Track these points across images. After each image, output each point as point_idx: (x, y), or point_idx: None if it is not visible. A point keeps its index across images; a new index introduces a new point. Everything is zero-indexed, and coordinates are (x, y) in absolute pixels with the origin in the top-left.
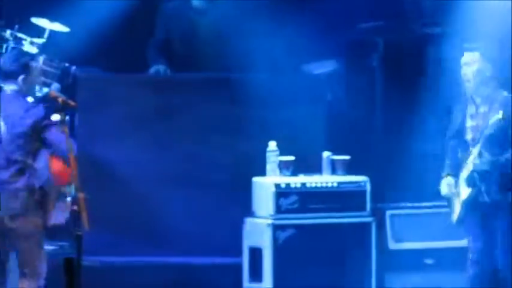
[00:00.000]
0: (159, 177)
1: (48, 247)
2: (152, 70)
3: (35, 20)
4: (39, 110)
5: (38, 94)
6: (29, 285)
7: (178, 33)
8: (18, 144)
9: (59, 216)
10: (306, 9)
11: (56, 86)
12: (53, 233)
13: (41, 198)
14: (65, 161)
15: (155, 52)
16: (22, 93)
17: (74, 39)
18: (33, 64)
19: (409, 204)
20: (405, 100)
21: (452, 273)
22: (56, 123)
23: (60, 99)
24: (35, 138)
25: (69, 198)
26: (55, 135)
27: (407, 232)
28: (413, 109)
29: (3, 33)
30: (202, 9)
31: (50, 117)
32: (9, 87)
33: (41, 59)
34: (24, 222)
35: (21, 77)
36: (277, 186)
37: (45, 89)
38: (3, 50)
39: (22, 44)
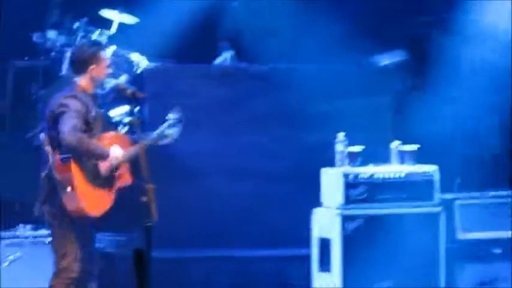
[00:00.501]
0: (226, 168)
1: (120, 238)
2: (220, 58)
3: (103, 12)
4: (56, 99)
5: (107, 85)
6: (51, 280)
7: (248, 24)
8: (46, 134)
9: (68, 205)
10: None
11: (125, 77)
12: (122, 224)
13: (52, 186)
14: (62, 152)
15: (223, 40)
16: (83, 87)
17: (143, 30)
18: (102, 54)
19: (477, 194)
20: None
21: None
22: (68, 111)
23: (128, 91)
24: (53, 127)
25: (69, 189)
26: (61, 124)
27: (476, 222)
28: (480, 100)
29: (72, 26)
30: (272, 2)
31: (67, 105)
32: (76, 79)
33: (111, 50)
34: (45, 211)
35: (90, 67)
36: (346, 176)
37: (114, 81)
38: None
39: (90, 36)
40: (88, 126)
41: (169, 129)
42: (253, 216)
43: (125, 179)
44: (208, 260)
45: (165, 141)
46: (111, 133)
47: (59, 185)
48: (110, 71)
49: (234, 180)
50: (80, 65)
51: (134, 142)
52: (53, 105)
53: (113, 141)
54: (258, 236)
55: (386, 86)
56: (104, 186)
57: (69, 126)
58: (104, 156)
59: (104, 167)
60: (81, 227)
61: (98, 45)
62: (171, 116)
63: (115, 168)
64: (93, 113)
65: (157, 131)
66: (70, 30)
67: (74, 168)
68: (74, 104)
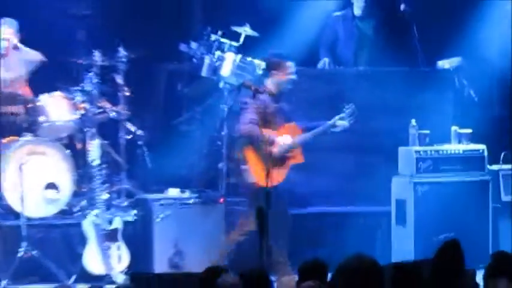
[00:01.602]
0: (333, 145)
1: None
2: (320, 63)
3: (236, 28)
4: (239, 96)
5: (235, 83)
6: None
7: (342, 36)
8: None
9: (246, 179)
10: (436, 12)
11: (249, 77)
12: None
13: (235, 164)
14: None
15: (322, 49)
16: (267, 88)
17: (264, 41)
18: (284, 64)
19: None
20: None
21: None
22: (247, 107)
23: (252, 87)
24: (238, 119)
25: (244, 167)
26: (241, 117)
27: None
28: None
29: (209, 38)
30: (361, 17)
31: (247, 102)
32: (265, 81)
33: (238, 57)
34: (231, 182)
35: (273, 72)
36: (417, 152)
37: (241, 80)
38: (210, 51)
39: (224, 46)
40: (265, 120)
41: (341, 120)
42: (351, 181)
43: (298, 159)
44: (318, 216)
45: (335, 129)
46: (288, 124)
47: (240, 163)
48: (292, 77)
49: (336, 153)
50: (267, 70)
51: (306, 130)
52: (239, 102)
53: (287, 131)
54: (354, 196)
55: (448, 83)
56: (276, 165)
57: (245, 119)
58: (271, 142)
59: (275, 150)
60: (260, 193)
61: (281, 57)
62: (346, 110)
63: (285, 151)
64: (270, 109)
65: (331, 121)
66: (208, 42)
67: (249, 151)
68: (253, 102)
